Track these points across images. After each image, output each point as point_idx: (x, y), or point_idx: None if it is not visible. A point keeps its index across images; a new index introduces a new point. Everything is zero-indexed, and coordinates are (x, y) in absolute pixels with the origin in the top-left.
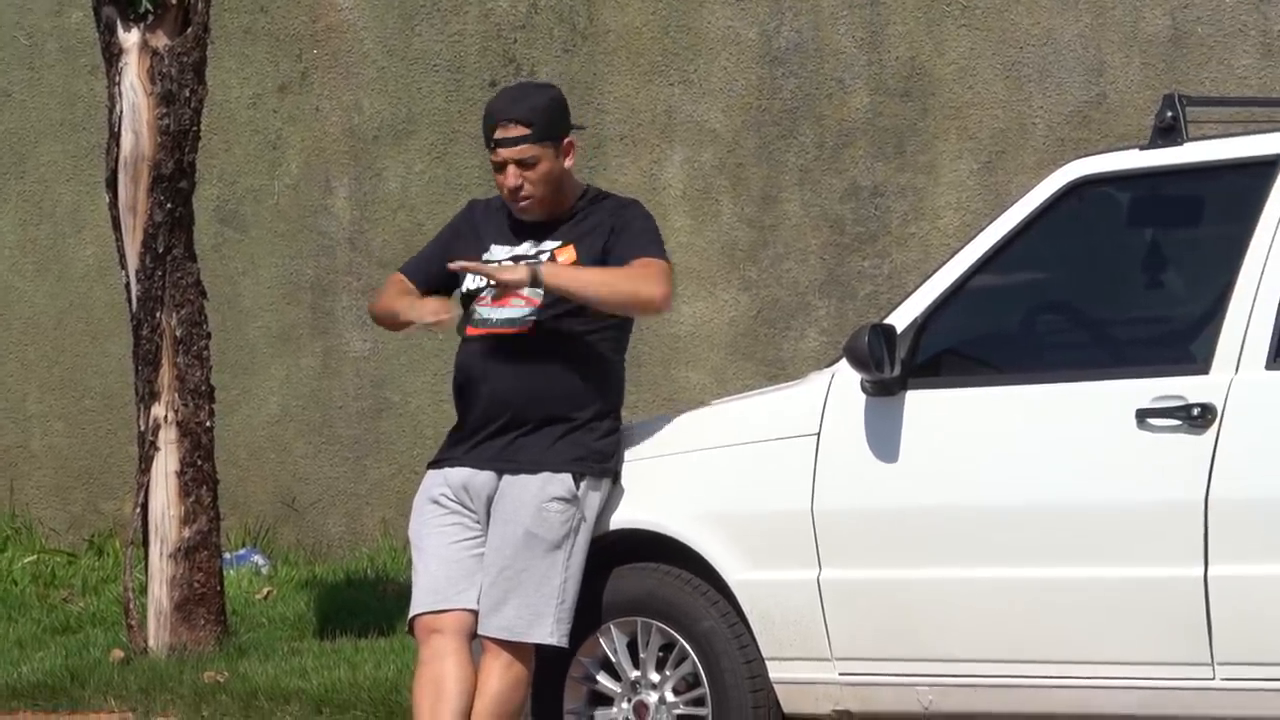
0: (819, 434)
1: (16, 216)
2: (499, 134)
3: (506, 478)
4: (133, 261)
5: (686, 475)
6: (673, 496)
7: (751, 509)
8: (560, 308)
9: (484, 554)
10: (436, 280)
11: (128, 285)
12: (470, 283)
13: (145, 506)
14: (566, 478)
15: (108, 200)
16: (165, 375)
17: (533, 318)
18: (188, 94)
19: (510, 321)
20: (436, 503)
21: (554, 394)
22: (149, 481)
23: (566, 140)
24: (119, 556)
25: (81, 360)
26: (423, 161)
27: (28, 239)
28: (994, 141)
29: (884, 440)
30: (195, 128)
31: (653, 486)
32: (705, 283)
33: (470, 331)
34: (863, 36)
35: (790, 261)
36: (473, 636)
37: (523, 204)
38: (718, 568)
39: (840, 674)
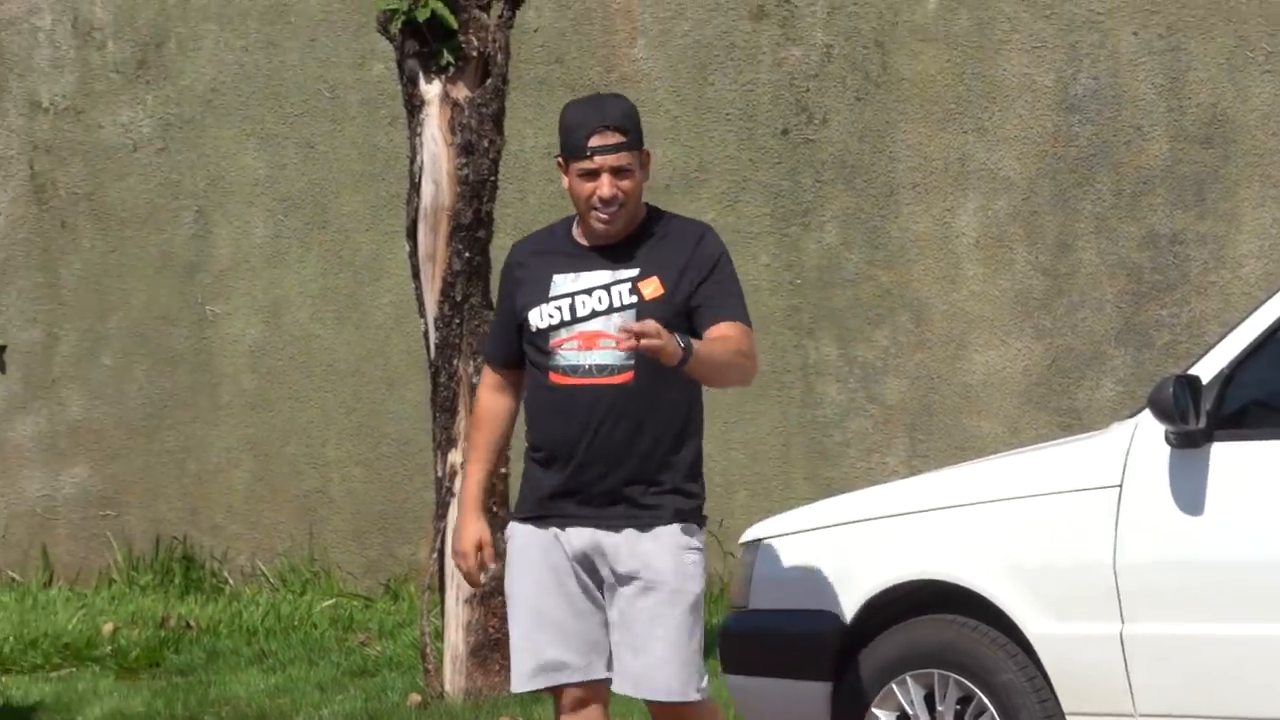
0: (1121, 486)
1: (318, 266)
2: (596, 140)
3: (630, 532)
4: (431, 309)
5: (983, 526)
6: (969, 548)
7: (1051, 561)
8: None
9: (610, 615)
10: (517, 348)
11: (426, 333)
12: (539, 319)
13: (441, 552)
14: (694, 526)
15: (407, 249)
16: (462, 422)
17: (631, 362)
18: (486, 144)
19: (607, 369)
20: (555, 567)
21: (663, 439)
22: (445, 527)
23: (646, 151)
24: (414, 601)
25: (378, 407)
26: (714, 210)
27: (328, 288)
28: None
29: (1189, 493)
30: (493, 178)
31: (947, 538)
32: (998, 331)
33: (558, 380)
34: (1162, 83)
35: (1085, 310)
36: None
37: (612, 213)
38: (1016, 620)
39: None
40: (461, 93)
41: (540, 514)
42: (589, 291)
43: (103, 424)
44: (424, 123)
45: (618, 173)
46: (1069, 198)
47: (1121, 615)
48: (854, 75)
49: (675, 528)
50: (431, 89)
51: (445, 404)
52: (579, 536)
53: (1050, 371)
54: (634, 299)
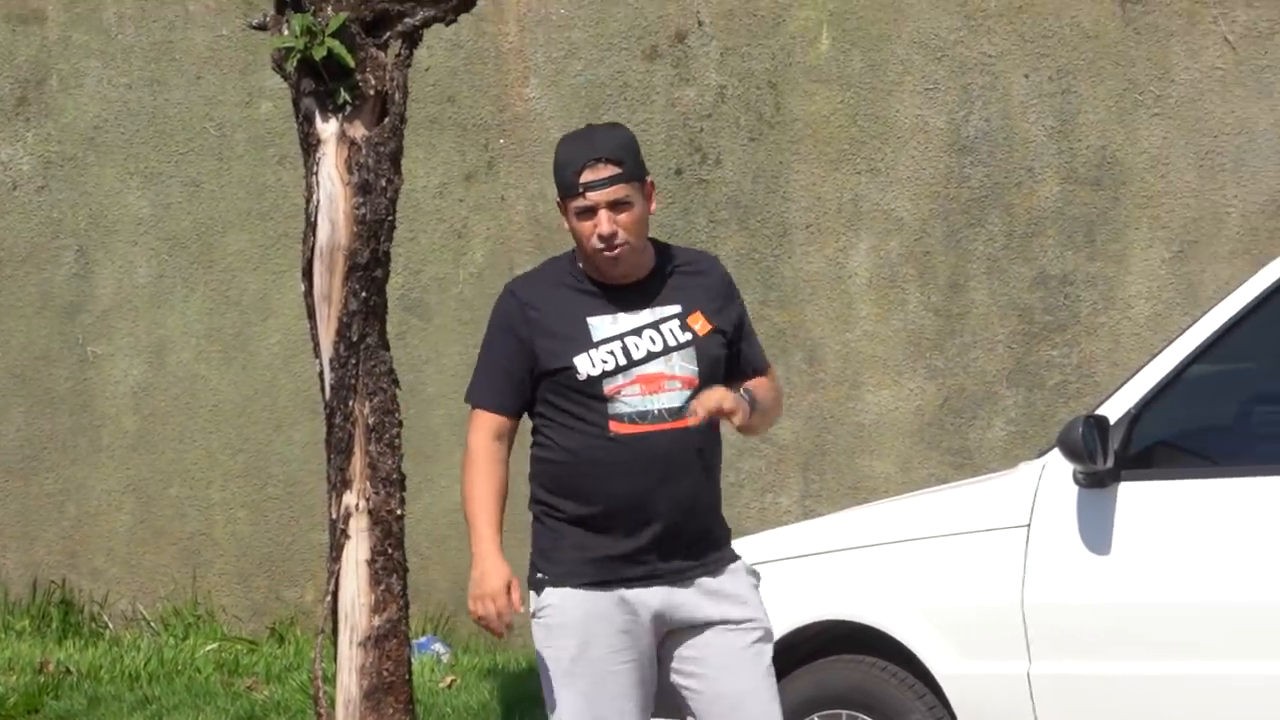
0: (1029, 525)
1: (204, 305)
2: (588, 176)
3: (703, 580)
4: (326, 350)
5: (891, 567)
6: (877, 588)
7: (959, 601)
8: (708, 386)
9: (691, 664)
10: (527, 396)
11: (321, 374)
12: (589, 366)
13: (335, 594)
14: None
15: (303, 289)
16: (357, 463)
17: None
18: (384, 184)
19: (678, 411)
20: (626, 632)
21: (715, 478)
22: (339, 569)
23: (649, 180)
24: (301, 644)
25: (265, 448)
26: None
27: (214, 327)
28: (1186, 231)
29: (1097, 533)
30: (390, 217)
31: (855, 578)
32: (891, 371)
33: (622, 429)
34: (1053, 125)
35: (977, 350)
36: None
37: (617, 252)
38: (924, 661)
39: None
40: (359, 131)
41: (600, 578)
42: (637, 332)
43: None
44: (320, 162)
45: (615, 206)
46: (961, 238)
47: (1029, 655)
48: (747, 116)
49: (740, 564)
50: (328, 128)
51: (340, 445)
52: (653, 596)
53: (942, 411)
54: (688, 335)
